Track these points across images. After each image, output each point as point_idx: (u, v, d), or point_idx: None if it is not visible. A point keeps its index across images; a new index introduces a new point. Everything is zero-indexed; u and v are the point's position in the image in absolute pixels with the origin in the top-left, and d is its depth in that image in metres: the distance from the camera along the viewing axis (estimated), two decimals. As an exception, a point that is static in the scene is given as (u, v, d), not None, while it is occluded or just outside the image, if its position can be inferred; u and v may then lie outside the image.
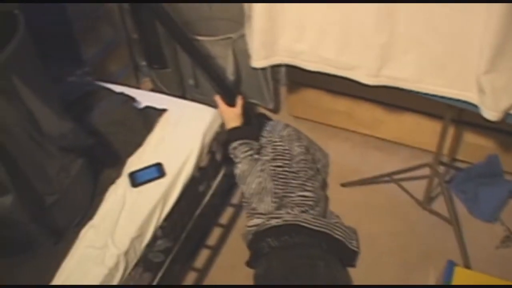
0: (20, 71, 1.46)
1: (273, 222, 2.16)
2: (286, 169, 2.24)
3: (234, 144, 2.20)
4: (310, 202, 2.26)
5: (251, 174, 2.14)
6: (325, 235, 2.14)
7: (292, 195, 2.23)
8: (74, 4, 2.54)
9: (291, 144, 2.35)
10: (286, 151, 2.30)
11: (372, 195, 2.67)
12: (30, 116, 1.53)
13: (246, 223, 2.25)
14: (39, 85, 1.59)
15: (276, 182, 2.18)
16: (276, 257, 2.07)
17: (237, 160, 2.18)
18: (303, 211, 2.21)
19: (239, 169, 2.17)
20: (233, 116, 2.24)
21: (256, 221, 2.20)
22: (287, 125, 2.47)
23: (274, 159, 2.24)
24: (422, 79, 1.92)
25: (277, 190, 2.17)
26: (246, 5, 2.11)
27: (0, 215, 1.52)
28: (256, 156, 2.21)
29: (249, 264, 2.18)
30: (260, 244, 2.12)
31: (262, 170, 2.17)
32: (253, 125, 2.36)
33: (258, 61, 2.16)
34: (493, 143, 2.57)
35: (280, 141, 2.32)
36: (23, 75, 1.48)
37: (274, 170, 2.21)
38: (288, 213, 2.18)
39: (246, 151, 2.18)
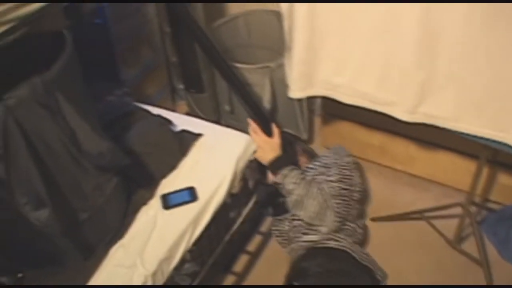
0: (65, 89, 1.50)
1: (332, 243, 2.15)
2: (349, 194, 2.24)
3: (284, 171, 2.20)
4: (360, 236, 2.27)
5: (308, 196, 2.14)
6: (369, 270, 2.14)
7: (348, 223, 2.23)
8: (117, 25, 2.60)
9: (353, 172, 2.35)
10: (352, 177, 2.30)
11: (402, 231, 2.64)
12: (71, 133, 1.56)
13: (301, 238, 2.23)
14: (81, 103, 1.63)
15: (338, 202, 2.18)
16: (327, 280, 2.06)
17: (290, 187, 2.17)
18: (355, 242, 2.21)
19: (295, 194, 2.15)
20: (274, 146, 2.25)
21: (313, 237, 2.20)
22: (349, 153, 2.48)
23: (340, 181, 2.24)
24: (460, 118, 1.91)
25: (339, 210, 2.16)
26: (287, 35, 2.13)
27: (36, 228, 1.55)
28: (309, 179, 2.21)
29: (289, 280, 2.16)
30: (310, 262, 2.11)
31: (320, 191, 2.16)
32: (289, 152, 2.37)
33: (296, 92, 2.18)
34: (528, 186, 2.54)
35: (347, 165, 2.33)
36: (68, 93, 1.51)
37: (339, 191, 2.20)
38: (345, 239, 2.18)
39: (298, 176, 2.18)
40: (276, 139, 2.26)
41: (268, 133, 2.28)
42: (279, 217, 2.39)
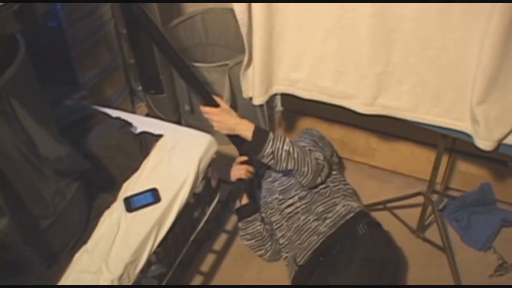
0: (19, 94, 1.47)
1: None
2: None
3: (270, 137, 2.13)
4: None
5: (305, 152, 2.17)
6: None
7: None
8: (73, 28, 2.57)
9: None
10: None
11: (366, 222, 2.67)
12: (28, 138, 1.53)
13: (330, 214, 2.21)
14: (37, 108, 1.60)
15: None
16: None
17: (286, 147, 2.13)
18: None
19: (295, 152, 2.13)
20: (227, 110, 2.18)
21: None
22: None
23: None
24: (417, 108, 1.94)
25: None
26: (244, 38, 2.10)
27: (-5, 238, 1.52)
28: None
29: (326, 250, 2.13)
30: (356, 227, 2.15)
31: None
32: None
33: (260, 98, 2.20)
34: (486, 172, 2.59)
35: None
36: (22, 98, 1.48)
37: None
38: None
39: (283, 138, 2.16)
40: (223, 104, 2.17)
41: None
42: (248, 219, 2.36)
